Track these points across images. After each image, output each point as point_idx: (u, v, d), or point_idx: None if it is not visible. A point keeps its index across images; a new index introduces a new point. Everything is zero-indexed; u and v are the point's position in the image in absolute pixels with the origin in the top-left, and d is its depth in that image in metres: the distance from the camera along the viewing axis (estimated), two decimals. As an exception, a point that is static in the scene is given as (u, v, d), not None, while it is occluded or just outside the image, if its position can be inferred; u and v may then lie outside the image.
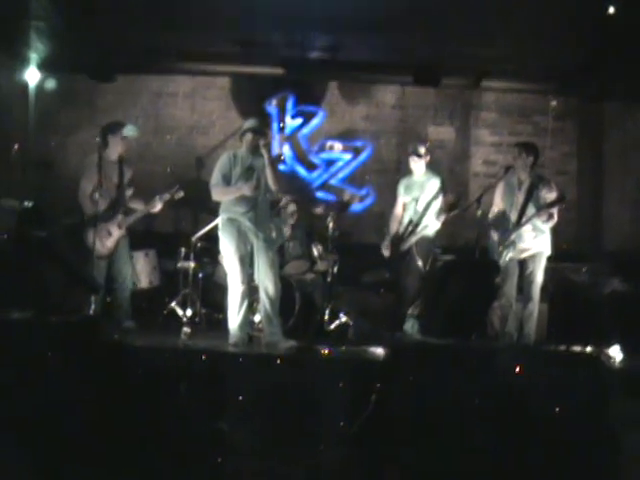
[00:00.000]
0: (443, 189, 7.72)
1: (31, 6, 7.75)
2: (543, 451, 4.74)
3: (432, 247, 7.76)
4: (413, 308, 7.53)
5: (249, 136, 6.97)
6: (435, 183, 7.71)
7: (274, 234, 7.37)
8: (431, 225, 7.62)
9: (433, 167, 8.03)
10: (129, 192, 7.71)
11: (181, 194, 7.83)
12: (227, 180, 6.95)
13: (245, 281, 6.89)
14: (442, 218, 7.59)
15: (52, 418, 4.70)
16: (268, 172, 6.87)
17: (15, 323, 5.20)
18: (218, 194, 7.00)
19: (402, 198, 7.88)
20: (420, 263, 7.52)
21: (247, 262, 6.93)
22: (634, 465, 4.64)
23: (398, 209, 7.92)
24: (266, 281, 6.86)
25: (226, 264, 7.01)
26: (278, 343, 6.79)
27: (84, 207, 7.46)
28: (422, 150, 7.75)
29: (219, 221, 7.06)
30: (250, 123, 7.09)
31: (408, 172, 7.94)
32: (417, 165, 7.77)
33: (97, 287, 7.22)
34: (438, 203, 7.66)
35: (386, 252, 7.80)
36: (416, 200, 7.72)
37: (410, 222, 7.70)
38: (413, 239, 7.64)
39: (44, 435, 4.63)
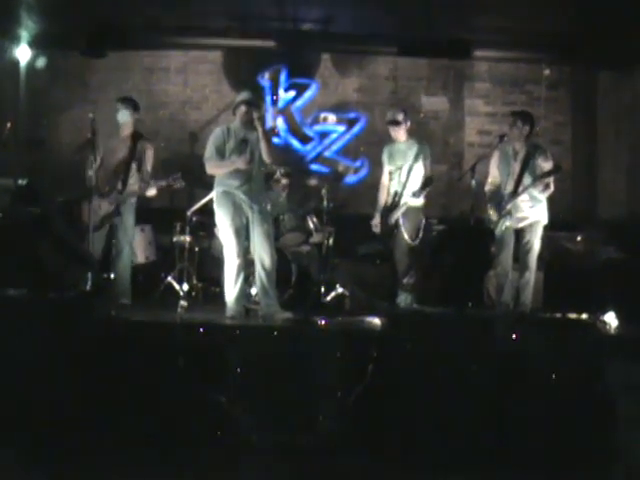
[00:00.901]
0: (422, 156, 7.48)
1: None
2: (539, 416, 4.79)
3: (420, 218, 7.54)
4: (407, 279, 7.47)
5: (243, 108, 6.92)
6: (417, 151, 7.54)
7: (269, 206, 7.35)
8: (410, 201, 7.45)
9: (424, 137, 7.96)
10: (140, 168, 7.45)
11: (182, 184, 7.51)
12: (221, 153, 6.92)
13: (241, 254, 6.88)
14: (422, 194, 7.40)
15: (48, 393, 4.73)
16: (262, 145, 6.82)
17: (10, 300, 5.21)
18: (212, 168, 6.97)
19: (387, 167, 7.71)
20: (407, 236, 7.42)
21: (243, 235, 6.91)
22: (628, 426, 4.70)
23: (385, 178, 7.76)
24: (262, 253, 6.85)
25: (222, 237, 7.00)
26: (275, 315, 6.79)
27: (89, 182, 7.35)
28: (399, 117, 7.54)
29: (214, 195, 7.04)
30: (243, 95, 7.03)
31: (392, 140, 7.75)
32: (397, 133, 7.59)
33: (93, 263, 7.18)
34: (419, 171, 7.47)
35: (376, 229, 7.73)
36: (400, 169, 7.55)
37: (395, 194, 7.59)
38: (399, 212, 7.50)
39: (39, 410, 4.67)
